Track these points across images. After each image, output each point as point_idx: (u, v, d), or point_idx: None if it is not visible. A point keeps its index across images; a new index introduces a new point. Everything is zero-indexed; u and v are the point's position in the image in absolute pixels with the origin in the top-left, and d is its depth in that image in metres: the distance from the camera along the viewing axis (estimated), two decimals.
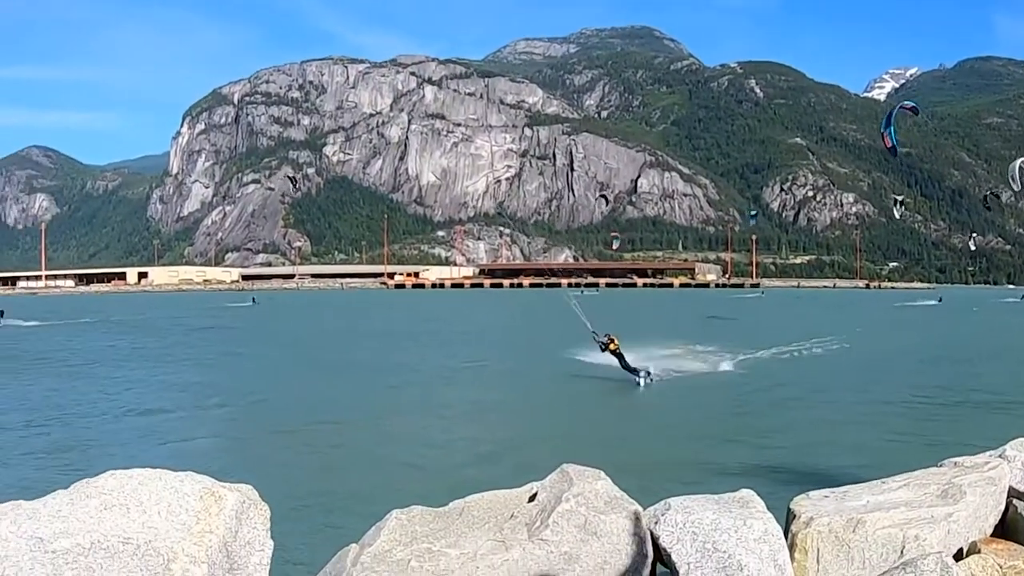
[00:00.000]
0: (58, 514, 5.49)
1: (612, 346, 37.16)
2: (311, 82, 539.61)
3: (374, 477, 21.98)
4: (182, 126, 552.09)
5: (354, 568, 5.83)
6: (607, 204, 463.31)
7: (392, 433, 28.56)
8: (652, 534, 6.24)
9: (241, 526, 5.68)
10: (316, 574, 6.47)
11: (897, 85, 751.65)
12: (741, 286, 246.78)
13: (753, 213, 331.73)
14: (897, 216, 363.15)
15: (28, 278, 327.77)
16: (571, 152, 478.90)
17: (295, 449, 26.21)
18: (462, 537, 6.00)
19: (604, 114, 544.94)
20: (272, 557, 5.90)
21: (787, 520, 6.72)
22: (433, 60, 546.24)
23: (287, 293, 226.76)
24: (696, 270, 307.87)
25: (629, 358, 36.98)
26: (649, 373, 36.77)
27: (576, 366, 42.66)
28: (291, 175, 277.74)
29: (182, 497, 5.61)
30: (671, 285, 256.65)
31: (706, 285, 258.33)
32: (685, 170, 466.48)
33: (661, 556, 6.17)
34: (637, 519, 6.25)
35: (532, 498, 6.41)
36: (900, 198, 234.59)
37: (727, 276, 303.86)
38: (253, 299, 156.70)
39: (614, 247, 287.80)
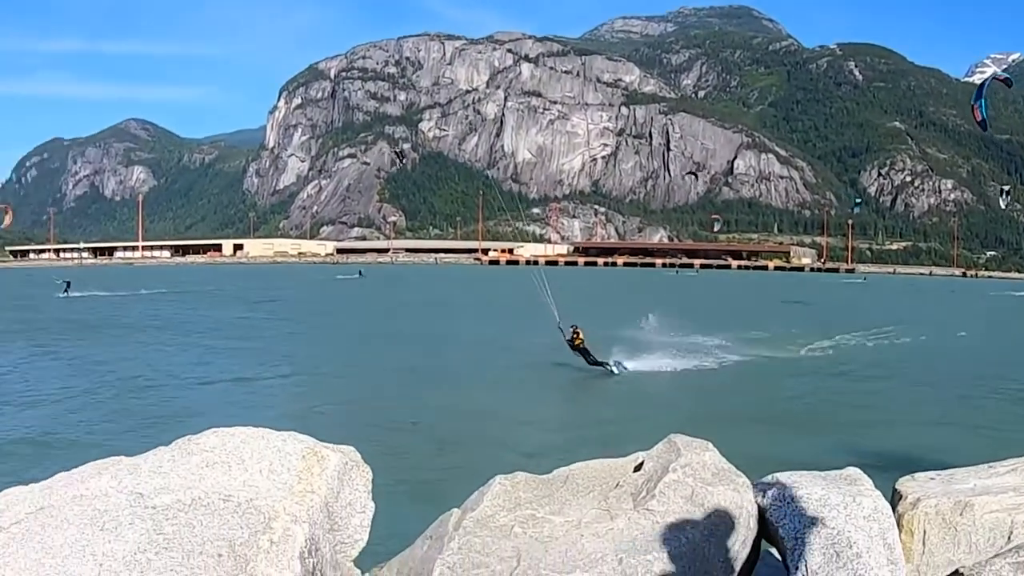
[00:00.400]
0: (159, 470, 5.67)
1: (577, 341, 36.67)
2: (407, 58, 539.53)
3: (475, 443, 22.84)
4: (279, 100, 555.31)
5: (456, 532, 5.77)
6: (703, 185, 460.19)
7: (494, 401, 29.41)
8: (759, 508, 6.15)
9: (343, 487, 5.78)
10: (417, 537, 6.43)
11: (999, 70, 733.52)
12: (836, 271, 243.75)
13: (858, 201, 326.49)
14: (1003, 206, 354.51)
15: (125, 248, 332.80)
16: (667, 132, 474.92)
17: (396, 414, 27.03)
18: (566, 504, 5.95)
19: (701, 94, 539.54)
20: (373, 519, 5.95)
21: (892, 501, 6.53)
22: (530, 37, 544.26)
23: (381, 267, 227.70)
24: (791, 253, 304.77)
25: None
26: (620, 363, 36.29)
27: (676, 342, 42.19)
28: (398, 149, 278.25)
29: (284, 456, 5.71)
30: (765, 268, 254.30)
31: (800, 269, 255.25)
32: (782, 152, 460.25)
33: (767, 530, 6.11)
34: (744, 492, 6.15)
35: (637, 468, 6.32)
36: (1007, 188, 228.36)
37: (822, 260, 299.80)
38: (360, 272, 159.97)
39: (715, 229, 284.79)
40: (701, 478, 6.15)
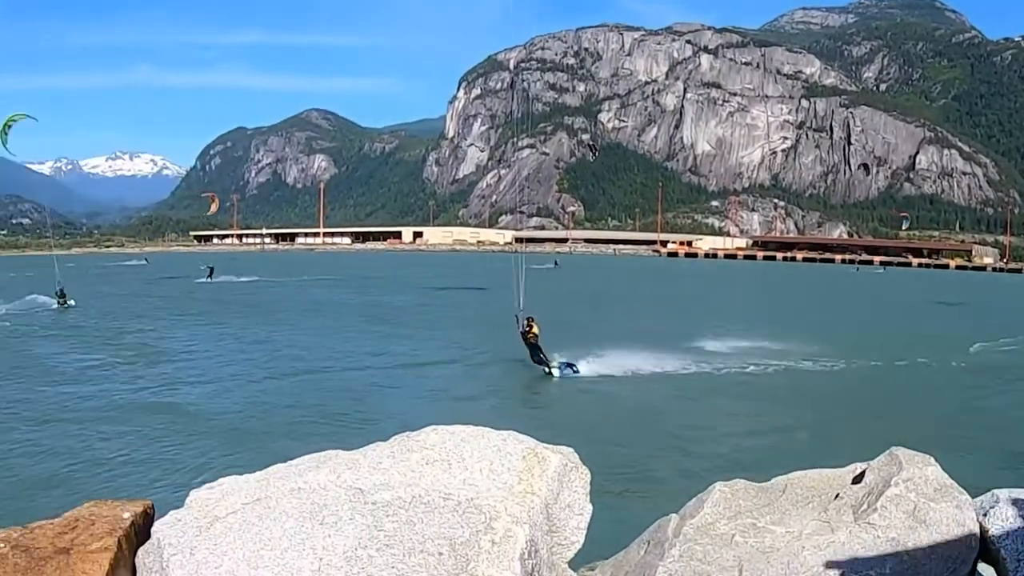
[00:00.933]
0: (379, 466, 5.82)
1: (530, 335, 36.46)
2: (586, 49, 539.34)
3: (690, 448, 23.62)
4: (458, 91, 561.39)
5: (676, 538, 5.83)
6: (883, 180, 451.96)
7: (709, 405, 30.65)
8: (981, 526, 6.08)
9: (563, 488, 5.77)
10: (630, 540, 6.62)
11: None
12: (1019, 271, 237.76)
13: None
14: None
15: (306, 235, 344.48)
16: (848, 125, 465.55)
17: (608, 415, 28.31)
18: (786, 515, 5.92)
19: (883, 87, 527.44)
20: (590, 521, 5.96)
21: None
22: (709, 28, 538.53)
23: (571, 257, 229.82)
24: (972, 252, 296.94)
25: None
26: (569, 365, 35.94)
27: (893, 345, 43.48)
28: (590, 143, 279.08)
29: (505, 456, 5.78)
30: (946, 266, 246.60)
31: (982, 268, 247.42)
32: (965, 148, 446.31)
33: (987, 550, 6.06)
34: (966, 510, 6.10)
35: (856, 479, 6.31)
36: None
37: (1004, 260, 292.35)
38: (555, 262, 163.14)
39: (903, 227, 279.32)
40: (923, 493, 6.09)
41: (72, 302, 68.82)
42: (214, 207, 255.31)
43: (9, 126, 60.90)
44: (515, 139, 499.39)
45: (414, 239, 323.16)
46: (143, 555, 5.66)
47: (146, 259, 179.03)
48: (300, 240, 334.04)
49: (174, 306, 70.20)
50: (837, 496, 5.93)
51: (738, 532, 5.66)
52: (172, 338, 48.19)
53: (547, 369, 35.95)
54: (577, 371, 35.79)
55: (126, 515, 5.87)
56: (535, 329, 36.52)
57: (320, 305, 68.92)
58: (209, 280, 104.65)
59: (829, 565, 5.22)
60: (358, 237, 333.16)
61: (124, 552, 5.60)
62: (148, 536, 5.82)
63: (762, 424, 27.35)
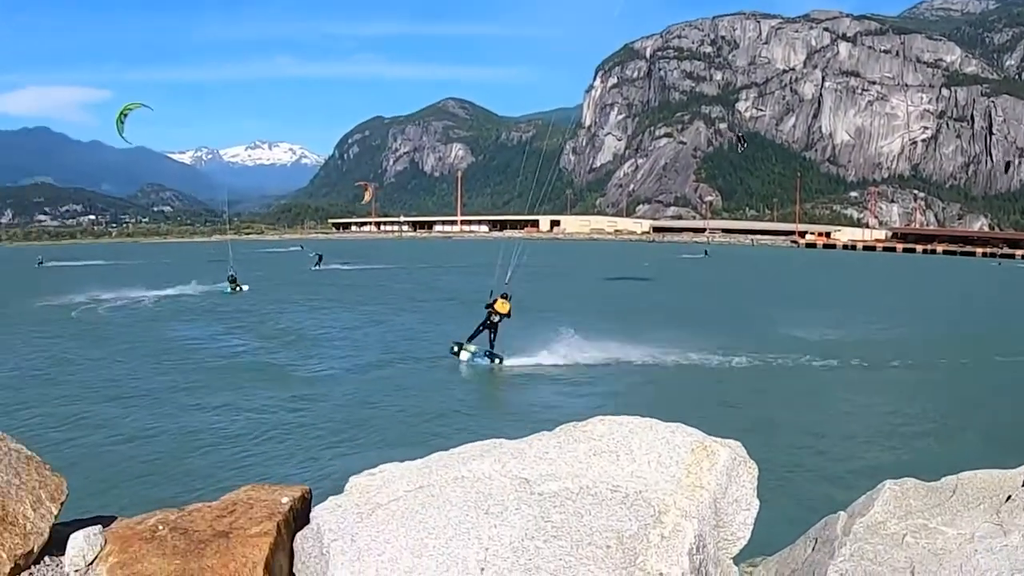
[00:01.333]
0: (545, 456, 5.82)
1: (495, 311, 37.00)
2: (723, 37, 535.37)
3: (853, 445, 24.08)
4: (595, 80, 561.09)
5: (846, 537, 5.61)
6: None
7: (865, 402, 30.65)
8: None
9: (731, 483, 5.66)
10: (798, 538, 6.34)
11: None
12: None
13: None
14: None
15: (444, 223, 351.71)
16: (990, 114, 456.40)
17: (774, 409, 28.55)
18: (957, 516, 5.64)
19: None
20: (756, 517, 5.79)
21: None
22: (847, 16, 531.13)
23: (723, 247, 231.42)
24: None
25: None
26: (496, 357, 36.52)
27: None
28: (739, 134, 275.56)
29: (673, 449, 5.71)
30: None
31: None
32: None
33: None
34: None
35: None
36: None
37: None
38: (706, 251, 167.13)
39: None
40: None
41: (245, 287, 74.37)
42: (368, 195, 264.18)
43: (125, 115, 61.33)
44: (652, 128, 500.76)
45: (551, 228, 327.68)
46: (301, 540, 5.86)
47: (301, 246, 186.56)
48: (437, 228, 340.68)
49: (330, 294, 74.74)
50: (1009, 498, 5.55)
51: (909, 532, 5.45)
52: (330, 326, 51.83)
53: (458, 348, 37.69)
54: (499, 361, 36.45)
55: (284, 500, 6.11)
56: (501, 307, 37.29)
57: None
58: (318, 267, 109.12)
59: (1003, 570, 4.91)
60: (495, 225, 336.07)
61: (283, 537, 5.81)
62: (306, 521, 6.04)
63: (921, 421, 27.53)
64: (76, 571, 5.54)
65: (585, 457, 5.71)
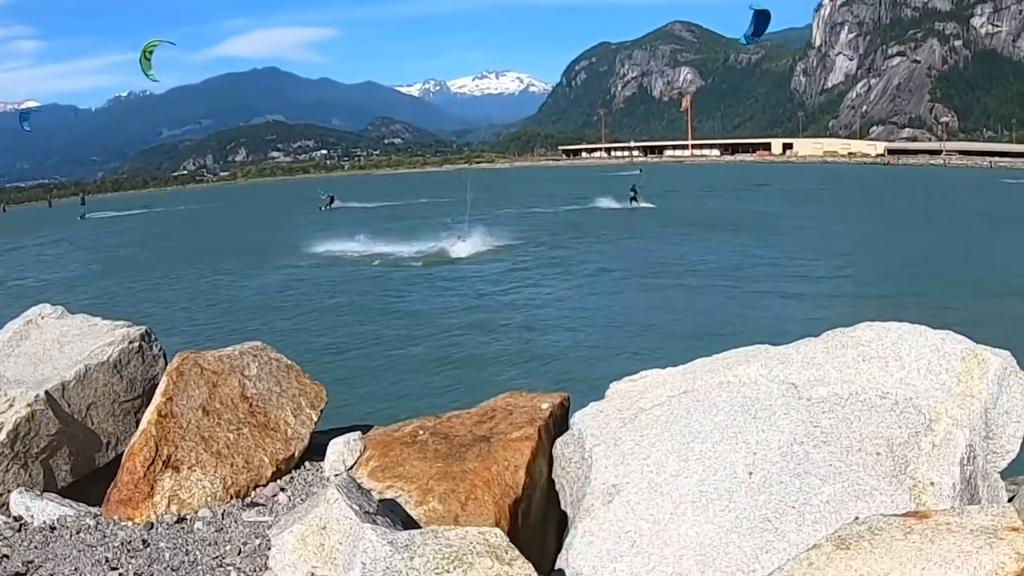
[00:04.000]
0: (812, 361, 5.78)
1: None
2: None
3: None
4: None
5: None
6: None
7: None
8: None
9: (1002, 393, 5.33)
10: None
11: None
12: None
13: None
14: None
15: (674, 147, 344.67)
16: None
17: None
18: None
19: None
20: None
21: None
22: None
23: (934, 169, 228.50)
24: None
25: None
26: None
27: None
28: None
29: (944, 356, 5.50)
30: None
31: None
32: None
33: None
34: None
35: None
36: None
37: None
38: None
39: None
40: None
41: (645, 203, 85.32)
42: (685, 102, 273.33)
43: (150, 52, 61.01)
44: (884, 47, 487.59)
45: (784, 151, 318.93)
46: (562, 445, 6.03)
47: (640, 169, 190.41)
48: (668, 153, 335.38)
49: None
50: None
51: None
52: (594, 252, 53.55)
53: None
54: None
55: (544, 406, 6.37)
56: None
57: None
58: (329, 208, 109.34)
59: None
60: (727, 149, 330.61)
61: (543, 442, 6.04)
62: (565, 427, 6.28)
63: None
64: (336, 475, 5.98)
65: (853, 363, 5.65)
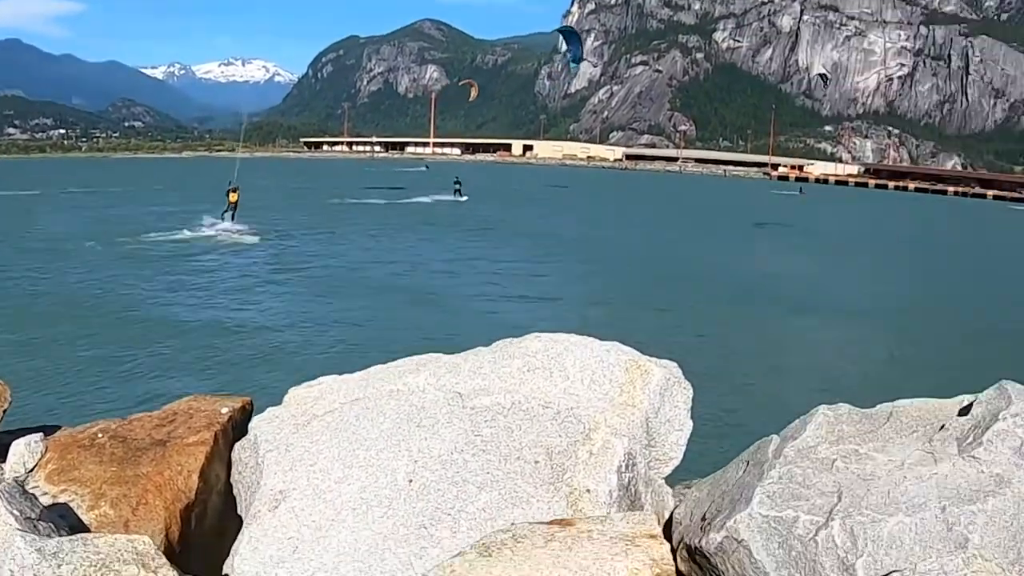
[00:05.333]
0: (479, 371, 5.82)
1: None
2: None
3: (793, 372, 24.42)
4: (572, 5, 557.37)
5: (776, 460, 5.44)
6: (1001, 112, 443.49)
7: (811, 330, 31.63)
8: None
9: (664, 403, 5.60)
10: (731, 461, 6.01)
11: None
12: None
13: None
14: None
15: (416, 144, 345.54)
16: (967, 54, 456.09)
17: (716, 332, 29.45)
18: (889, 443, 5.57)
19: (1004, 17, 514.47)
20: (688, 438, 5.74)
21: None
22: None
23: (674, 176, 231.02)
24: None
25: None
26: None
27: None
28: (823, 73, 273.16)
29: (607, 367, 5.67)
30: None
31: None
32: None
33: None
34: None
35: (963, 411, 5.78)
36: None
37: None
38: (801, 190, 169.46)
39: None
40: None
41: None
42: (474, 92, 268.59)
43: None
44: (628, 56, 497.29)
45: (524, 152, 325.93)
46: (239, 450, 5.94)
47: (426, 166, 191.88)
48: (409, 150, 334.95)
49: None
50: (942, 427, 5.47)
51: (839, 457, 5.33)
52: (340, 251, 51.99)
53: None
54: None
55: (224, 410, 6.26)
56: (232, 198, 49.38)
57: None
58: None
59: (930, 497, 4.79)
60: (468, 148, 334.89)
61: (220, 447, 5.95)
62: (246, 432, 6.09)
63: (863, 352, 28.30)
64: (16, 477, 5.57)
65: (518, 373, 5.75)
